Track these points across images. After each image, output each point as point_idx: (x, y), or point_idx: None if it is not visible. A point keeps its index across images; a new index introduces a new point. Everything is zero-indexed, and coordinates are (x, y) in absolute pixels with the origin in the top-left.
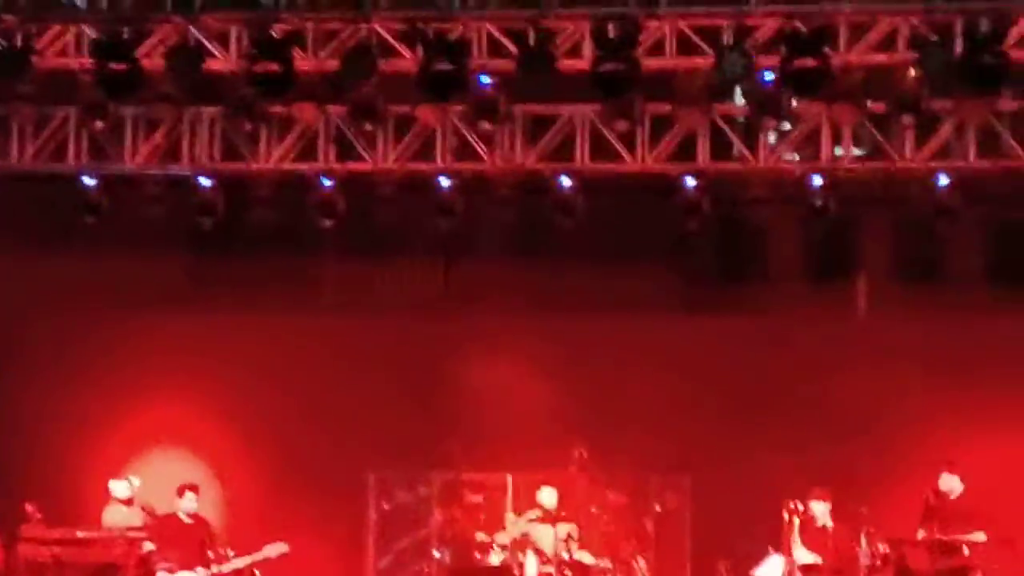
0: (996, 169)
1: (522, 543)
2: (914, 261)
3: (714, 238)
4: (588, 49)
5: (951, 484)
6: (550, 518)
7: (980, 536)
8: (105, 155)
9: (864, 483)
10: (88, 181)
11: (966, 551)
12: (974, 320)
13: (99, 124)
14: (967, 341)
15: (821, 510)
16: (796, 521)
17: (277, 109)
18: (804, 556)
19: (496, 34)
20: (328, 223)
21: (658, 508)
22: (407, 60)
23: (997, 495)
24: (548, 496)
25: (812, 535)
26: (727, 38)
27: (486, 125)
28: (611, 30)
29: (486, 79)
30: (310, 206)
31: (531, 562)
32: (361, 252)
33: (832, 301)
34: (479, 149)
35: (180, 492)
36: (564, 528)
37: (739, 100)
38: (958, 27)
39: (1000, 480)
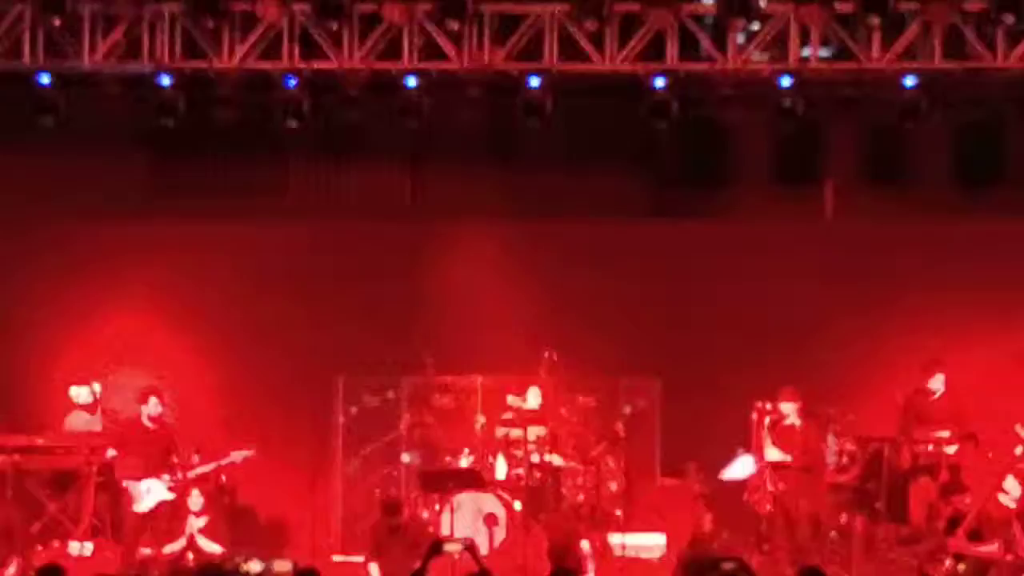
0: (962, 70)
1: (492, 445)
2: (881, 162)
3: (682, 139)
4: None
5: (936, 384)
6: (520, 420)
7: (944, 433)
8: (62, 53)
9: (832, 384)
10: (44, 80)
11: (930, 448)
12: (940, 221)
13: (56, 21)
14: (933, 242)
15: (790, 409)
16: (766, 421)
17: (240, 6)
18: (773, 454)
19: None
20: (293, 124)
21: (628, 410)
22: None
23: (964, 394)
24: (519, 399)
25: (781, 434)
26: None
27: (453, 24)
28: None
29: None
30: (274, 106)
31: (501, 464)
32: (326, 154)
33: (799, 203)
34: (446, 48)
35: (143, 397)
36: (534, 430)
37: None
38: None
39: (968, 380)
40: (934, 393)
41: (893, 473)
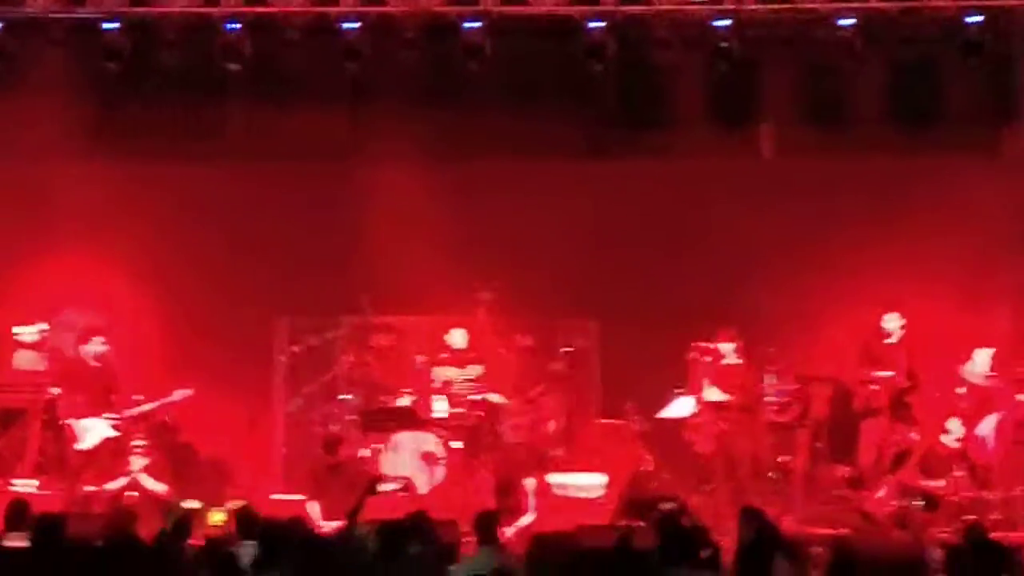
0: (897, 9)
1: (431, 384)
2: (818, 103)
3: (619, 82)
4: None
5: (892, 326)
6: (459, 360)
7: (888, 374)
8: None
9: (771, 324)
10: None
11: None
12: (877, 161)
13: None
14: (871, 182)
15: (728, 349)
16: (704, 360)
17: None
18: (712, 394)
19: None
20: (234, 68)
21: (565, 351)
22: None
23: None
24: (457, 338)
25: (720, 374)
26: None
27: None
28: None
29: None
30: (216, 50)
31: (440, 403)
32: (267, 98)
33: (737, 144)
34: None
35: (85, 337)
36: (473, 370)
37: None
38: None
39: (911, 318)
40: (887, 334)
41: (836, 414)
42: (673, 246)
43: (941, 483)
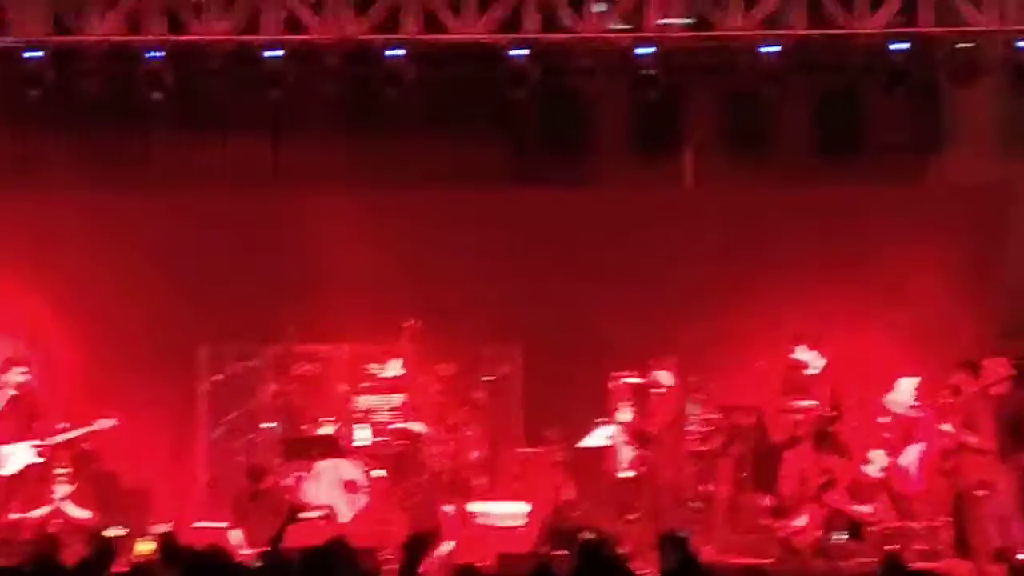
0: (822, 36)
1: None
2: (741, 130)
3: (542, 109)
4: None
5: (805, 356)
6: (382, 388)
7: (811, 403)
8: None
9: (694, 353)
10: None
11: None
12: (802, 190)
13: None
14: (795, 211)
15: (665, 377)
16: (627, 389)
17: None
18: (635, 424)
19: None
20: (157, 96)
21: (489, 378)
22: None
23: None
24: (391, 368)
25: (645, 403)
26: None
27: None
28: None
29: None
30: (139, 78)
31: (362, 432)
32: (190, 126)
33: (660, 172)
34: (307, 20)
35: (5, 367)
36: (396, 398)
37: None
38: None
39: (832, 349)
40: (803, 365)
41: (759, 443)
42: (596, 274)
43: (869, 508)
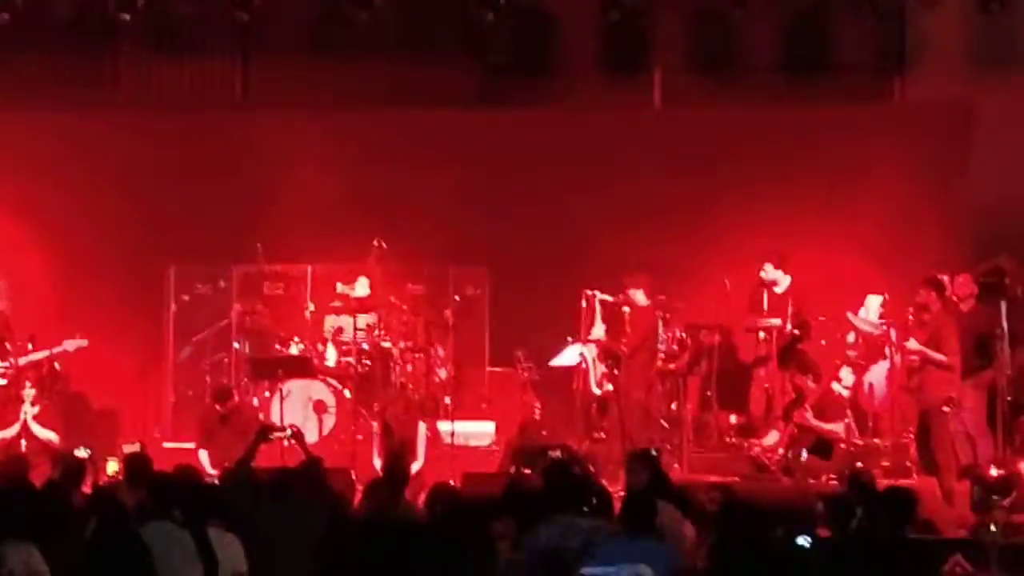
0: None
1: (321, 333)
2: (709, 50)
3: (511, 30)
4: None
5: (773, 275)
6: (350, 308)
7: (776, 321)
8: None
9: (661, 273)
10: None
11: (762, 336)
12: (769, 110)
13: None
14: (762, 131)
15: (638, 295)
16: (596, 307)
17: None
18: (603, 341)
19: None
20: (125, 17)
21: (457, 298)
22: None
23: (799, 282)
24: (360, 287)
25: (616, 321)
26: None
27: None
28: None
29: None
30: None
31: (330, 352)
32: (158, 47)
33: (627, 93)
34: None
35: None
36: (364, 318)
37: None
38: None
39: (801, 267)
40: (770, 284)
41: (726, 362)
42: (564, 195)
43: (838, 427)
